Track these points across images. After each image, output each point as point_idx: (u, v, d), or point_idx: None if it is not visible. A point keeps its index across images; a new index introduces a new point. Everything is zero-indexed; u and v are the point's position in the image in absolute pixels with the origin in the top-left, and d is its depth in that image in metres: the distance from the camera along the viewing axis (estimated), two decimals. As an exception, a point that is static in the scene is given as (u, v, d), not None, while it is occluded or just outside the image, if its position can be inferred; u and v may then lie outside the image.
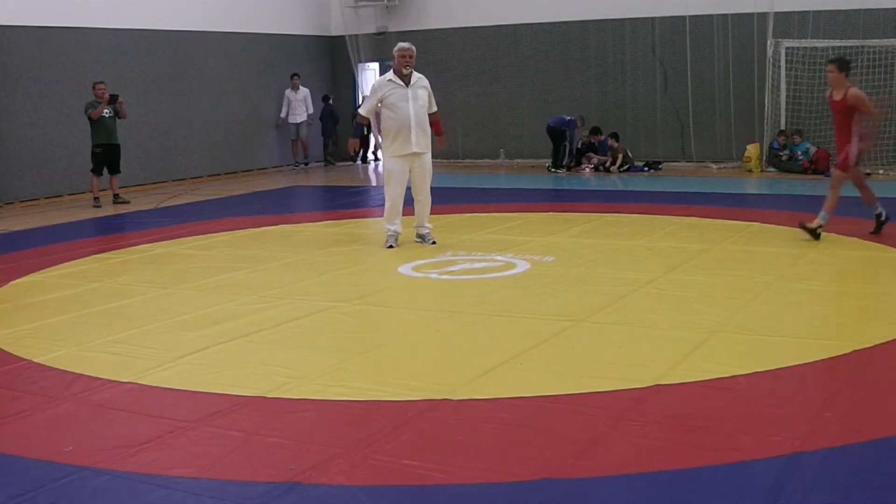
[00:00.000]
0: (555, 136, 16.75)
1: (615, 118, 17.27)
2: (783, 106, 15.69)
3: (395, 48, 9.13)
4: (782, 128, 15.68)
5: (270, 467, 4.02)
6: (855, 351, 5.36)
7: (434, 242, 9.27)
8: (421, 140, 9.02)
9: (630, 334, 5.98)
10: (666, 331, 5.95)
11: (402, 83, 8.97)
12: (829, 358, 5.25)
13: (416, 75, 9.12)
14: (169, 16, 16.18)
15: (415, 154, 9.04)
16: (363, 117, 9.40)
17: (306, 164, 19.30)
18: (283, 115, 18.82)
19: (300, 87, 18.82)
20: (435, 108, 9.31)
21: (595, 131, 16.80)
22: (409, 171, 9.15)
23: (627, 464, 3.95)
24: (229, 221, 11.53)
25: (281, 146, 18.95)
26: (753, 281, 7.24)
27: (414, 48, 9.17)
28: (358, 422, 4.56)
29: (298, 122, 18.84)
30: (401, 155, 9.00)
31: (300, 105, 18.85)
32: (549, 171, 16.75)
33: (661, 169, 16.45)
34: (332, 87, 20.05)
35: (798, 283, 7.17)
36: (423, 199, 9.31)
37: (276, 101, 18.71)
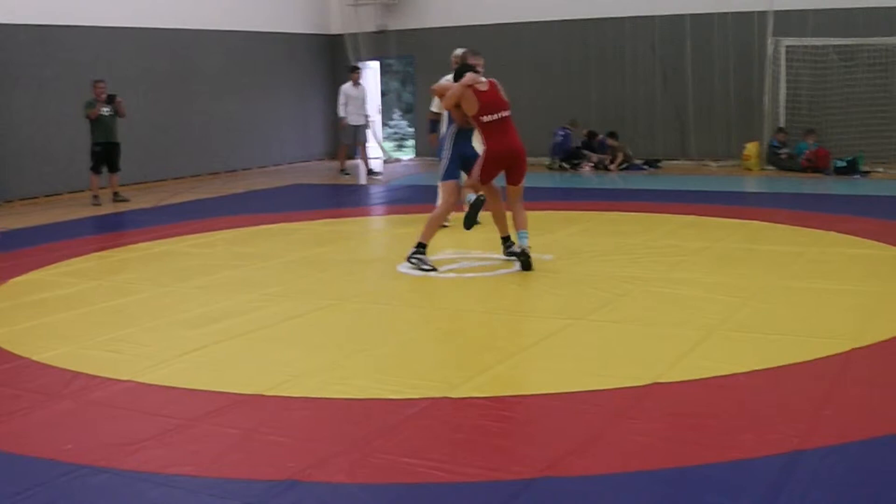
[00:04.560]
0: (566, 149, 16.87)
1: (615, 116, 17.27)
2: (783, 104, 15.69)
3: (452, 54, 9.38)
4: (782, 126, 15.68)
5: (270, 465, 4.02)
6: (854, 349, 5.36)
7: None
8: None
9: (629, 332, 5.98)
10: (665, 329, 5.95)
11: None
12: (829, 356, 5.25)
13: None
14: (169, 14, 16.17)
15: None
16: (432, 112, 9.65)
17: (375, 173, 16.57)
18: (341, 114, 16.55)
19: (360, 82, 16.80)
20: None
21: (592, 135, 16.85)
22: None
23: (627, 462, 3.95)
24: (229, 219, 11.52)
25: (280, 144, 18.89)
26: (753, 279, 7.24)
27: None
28: (357, 420, 4.56)
29: (359, 123, 16.66)
30: None
31: (361, 104, 16.63)
32: (551, 168, 16.81)
33: (660, 167, 16.45)
34: (332, 86, 20.02)
35: (797, 282, 7.17)
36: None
37: (276, 99, 18.64)
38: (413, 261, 7.90)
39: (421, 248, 7.92)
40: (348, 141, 16.82)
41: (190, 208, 12.97)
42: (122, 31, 15.36)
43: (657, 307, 6.54)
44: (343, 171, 16.89)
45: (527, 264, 7.66)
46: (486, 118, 7.68)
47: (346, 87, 16.72)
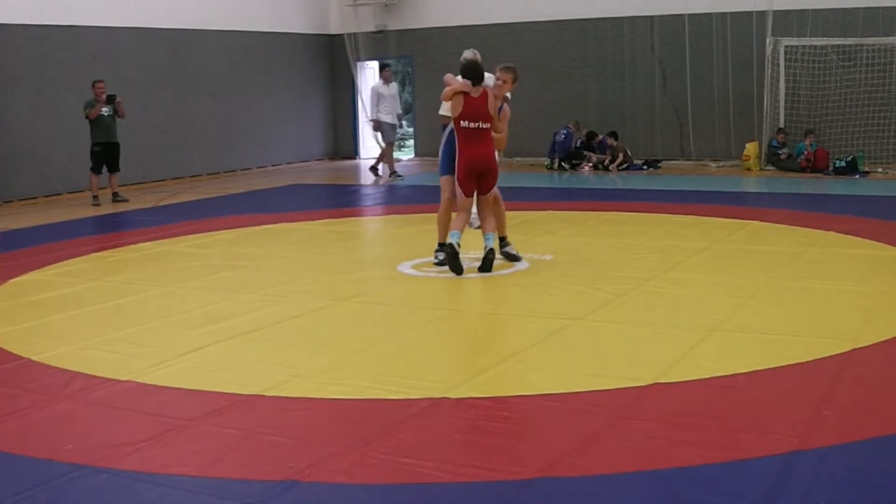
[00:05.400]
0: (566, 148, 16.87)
1: (614, 117, 17.27)
2: (782, 104, 15.69)
3: (462, 57, 9.50)
4: (781, 126, 15.68)
5: (269, 465, 4.02)
6: (854, 349, 5.36)
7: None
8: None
9: (629, 333, 5.98)
10: (665, 329, 5.95)
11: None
12: (828, 356, 5.25)
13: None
14: (168, 14, 16.17)
15: None
16: (443, 116, 9.64)
17: (378, 174, 16.21)
18: (372, 115, 16.26)
19: (392, 80, 16.36)
20: None
21: (591, 136, 16.86)
22: None
23: (626, 462, 3.95)
24: (228, 220, 11.52)
25: (280, 144, 18.88)
26: (752, 279, 7.24)
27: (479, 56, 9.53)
28: (356, 420, 4.55)
29: (392, 122, 16.22)
30: None
31: (393, 102, 16.14)
32: (548, 168, 16.83)
33: (660, 167, 16.45)
34: (332, 86, 20.04)
35: (797, 282, 7.17)
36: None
37: (276, 99, 18.63)
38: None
39: (439, 246, 8.14)
40: (390, 139, 16.31)
41: (189, 208, 12.97)
42: (121, 31, 15.36)
43: (657, 307, 6.54)
44: (394, 171, 16.16)
45: (486, 265, 7.75)
46: (463, 123, 7.82)
47: (377, 85, 16.32)
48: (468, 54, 9.27)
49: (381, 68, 16.60)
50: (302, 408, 4.74)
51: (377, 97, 16.16)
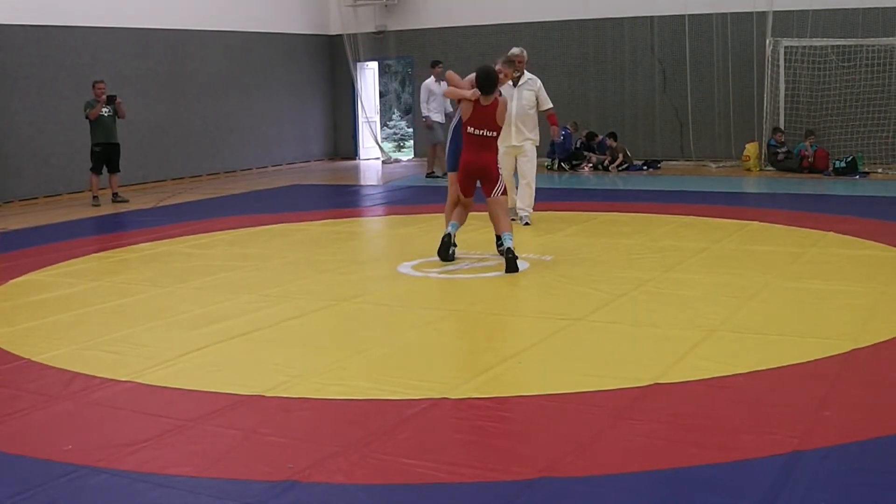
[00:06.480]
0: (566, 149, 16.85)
1: (614, 117, 17.27)
2: (782, 105, 15.70)
3: (510, 52, 9.83)
4: (780, 126, 15.65)
5: (269, 466, 4.02)
6: (854, 350, 5.36)
7: (528, 223, 10.09)
8: (520, 134, 9.90)
9: (629, 333, 5.98)
10: (665, 329, 5.95)
11: (510, 83, 9.62)
12: (828, 357, 5.25)
13: (526, 76, 10.03)
14: (167, 15, 16.18)
15: (514, 147, 9.92)
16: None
17: (439, 174, 15.12)
18: (425, 112, 15.55)
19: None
20: (548, 106, 10.23)
21: (591, 136, 16.87)
22: (516, 160, 10.04)
23: (626, 462, 3.95)
24: (229, 220, 11.52)
25: (279, 144, 18.88)
26: (752, 280, 7.24)
27: (525, 53, 10.01)
28: (357, 420, 4.55)
29: (441, 120, 15.47)
30: (504, 146, 9.49)
31: (443, 100, 15.20)
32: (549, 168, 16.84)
33: (659, 168, 16.45)
34: (332, 86, 20.04)
35: (797, 282, 7.17)
36: (526, 185, 10.13)
37: (276, 99, 18.63)
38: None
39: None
40: (440, 139, 15.21)
41: (189, 209, 12.97)
42: (121, 32, 15.36)
43: (657, 308, 6.54)
44: (432, 173, 15.56)
45: (510, 264, 7.70)
46: (470, 129, 7.94)
47: (429, 82, 15.65)
48: (515, 51, 9.51)
49: (433, 65, 15.79)
50: (302, 408, 4.74)
51: (428, 94, 15.55)
